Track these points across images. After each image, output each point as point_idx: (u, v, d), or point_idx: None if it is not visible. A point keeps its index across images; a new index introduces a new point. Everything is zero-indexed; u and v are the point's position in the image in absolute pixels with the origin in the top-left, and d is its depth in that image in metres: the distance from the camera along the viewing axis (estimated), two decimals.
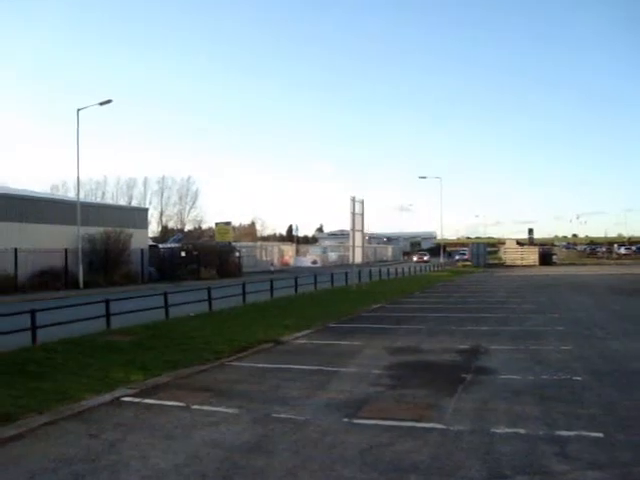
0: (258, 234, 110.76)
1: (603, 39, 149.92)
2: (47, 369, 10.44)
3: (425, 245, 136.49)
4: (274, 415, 7.61)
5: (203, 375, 10.36)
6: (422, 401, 8.29)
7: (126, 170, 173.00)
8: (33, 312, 13.08)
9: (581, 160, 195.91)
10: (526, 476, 5.40)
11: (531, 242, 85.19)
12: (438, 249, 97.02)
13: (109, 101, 36.50)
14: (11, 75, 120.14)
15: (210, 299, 19.90)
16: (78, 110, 36.52)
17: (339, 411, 7.78)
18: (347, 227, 34.81)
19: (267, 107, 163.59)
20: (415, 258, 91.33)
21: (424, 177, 74.10)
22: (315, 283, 30.38)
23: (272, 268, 58.54)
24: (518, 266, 72.55)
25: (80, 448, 6.40)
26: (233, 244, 57.39)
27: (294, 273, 39.93)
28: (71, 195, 67.07)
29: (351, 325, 17.37)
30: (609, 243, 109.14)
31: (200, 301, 19.73)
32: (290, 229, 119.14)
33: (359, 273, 33.31)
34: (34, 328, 12.98)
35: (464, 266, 73.39)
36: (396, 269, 48.45)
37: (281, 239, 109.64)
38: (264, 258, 64.28)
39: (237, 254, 52.52)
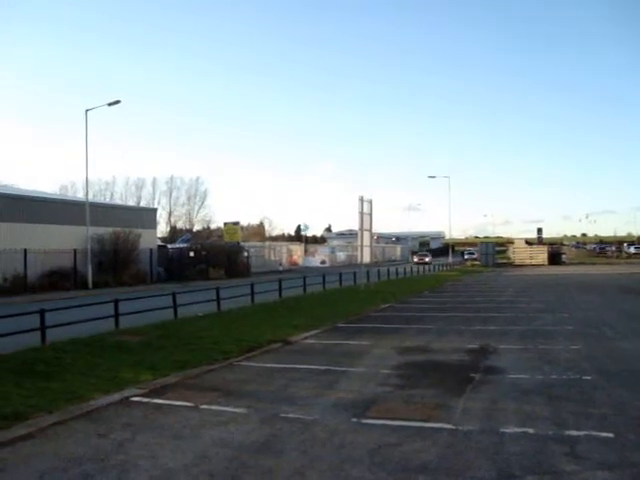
0: (266, 234, 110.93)
1: (607, 38, 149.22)
2: (56, 369, 10.46)
3: (434, 245, 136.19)
4: (282, 415, 7.61)
5: (212, 375, 10.37)
6: (431, 401, 8.27)
7: (135, 170, 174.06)
8: (42, 312, 13.13)
9: (590, 159, 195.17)
10: (536, 476, 5.38)
11: (540, 241, 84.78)
12: (447, 249, 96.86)
13: (117, 102, 36.62)
14: (20, 76, 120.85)
15: (218, 299, 19.91)
16: (86, 111, 36.68)
17: (347, 411, 7.77)
18: (355, 227, 34.79)
19: (275, 107, 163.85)
20: (415, 259, 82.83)
21: (433, 177, 74.18)
22: (324, 283, 30.36)
23: (281, 268, 58.58)
24: (527, 265, 72.45)
25: (89, 448, 6.42)
26: (241, 244, 57.40)
27: (302, 273, 39.93)
28: (80, 196, 67.25)
29: (360, 325, 17.35)
30: (618, 242, 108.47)
31: (208, 301, 19.75)
32: (298, 229, 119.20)
33: (367, 273, 33.28)
34: (43, 328, 13.03)
35: (473, 265, 73.30)
36: (404, 269, 48.39)
37: (289, 239, 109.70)
38: (272, 258, 64.28)
39: (245, 254, 52.55)
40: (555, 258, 76.58)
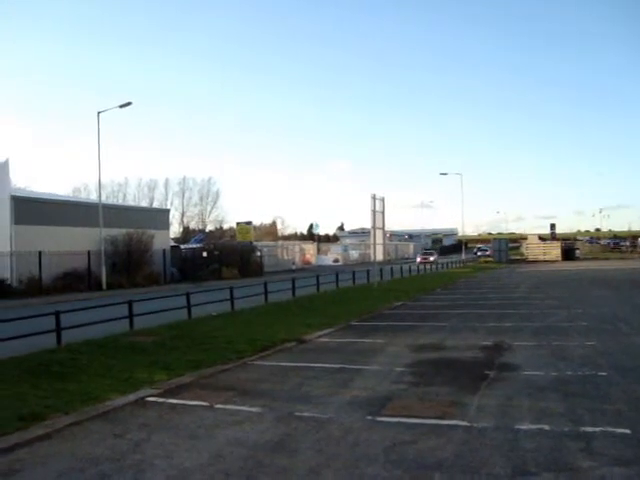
0: (279, 233, 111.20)
1: (609, 38, 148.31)
2: (72, 370, 10.52)
3: (447, 242, 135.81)
4: (297, 414, 7.62)
5: (226, 374, 10.40)
6: (445, 398, 8.26)
7: (147, 172, 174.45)
8: (57, 314, 13.22)
9: (603, 153, 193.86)
10: (552, 473, 5.36)
11: (553, 237, 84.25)
12: (460, 246, 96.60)
13: (129, 103, 36.76)
14: (33, 79, 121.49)
15: (232, 299, 19.94)
16: (98, 113, 36.82)
17: (362, 409, 7.77)
18: (368, 225, 34.81)
19: (287, 107, 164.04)
20: (418, 259, 71.91)
21: (445, 174, 74.18)
22: (337, 281, 30.35)
23: (293, 267, 58.60)
24: (540, 261, 72.13)
25: (106, 448, 6.46)
26: (254, 244, 57.54)
27: (316, 272, 39.94)
28: (93, 197, 67.69)
29: (373, 323, 17.35)
30: (633, 237, 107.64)
31: (222, 301, 19.79)
32: (311, 228, 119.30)
33: (381, 271, 33.25)
34: (59, 329, 13.12)
35: (486, 262, 73.11)
36: (418, 266, 48.28)
37: (302, 238, 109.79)
38: (285, 257, 64.32)
39: (258, 253, 52.68)
40: (569, 254, 76.16)
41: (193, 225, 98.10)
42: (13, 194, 34.45)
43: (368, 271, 34.32)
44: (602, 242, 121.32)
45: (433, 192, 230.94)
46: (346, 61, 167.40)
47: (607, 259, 77.18)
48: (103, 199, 39.31)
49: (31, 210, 34.81)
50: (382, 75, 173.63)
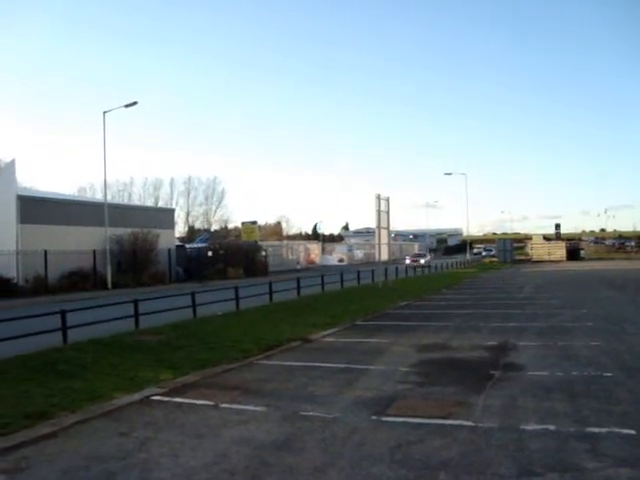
0: (284, 233, 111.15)
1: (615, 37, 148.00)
2: (78, 368, 10.56)
3: (452, 242, 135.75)
4: (302, 413, 7.63)
5: (231, 374, 10.41)
6: (450, 398, 8.25)
7: (152, 171, 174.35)
8: (63, 313, 13.27)
9: (608, 153, 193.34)
10: (557, 473, 5.35)
11: (558, 237, 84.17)
12: (464, 246, 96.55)
13: (135, 103, 36.80)
14: (38, 79, 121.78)
15: (237, 298, 19.97)
16: (104, 112, 36.89)
17: (367, 409, 7.77)
18: (373, 225, 34.74)
19: (292, 106, 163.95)
20: (407, 261, 62.22)
21: (449, 173, 74.09)
22: (342, 281, 30.36)
23: (298, 267, 58.66)
24: (545, 261, 71.99)
25: (111, 446, 6.48)
26: (259, 243, 57.58)
27: (320, 271, 39.94)
28: (98, 197, 67.82)
29: (378, 323, 17.35)
30: (638, 237, 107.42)
31: (227, 300, 19.81)
32: (316, 228, 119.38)
33: (385, 270, 33.24)
34: (65, 328, 13.17)
35: (491, 262, 73.04)
36: (422, 266, 48.26)
37: (307, 238, 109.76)
38: (290, 257, 64.35)
39: (263, 253, 52.71)
40: (573, 254, 76.06)
41: (198, 225, 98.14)
42: (19, 194, 34.56)
43: (373, 271, 34.34)
44: (607, 242, 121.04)
45: (438, 192, 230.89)
46: (350, 60, 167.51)
47: (612, 259, 76.96)
48: (109, 198, 39.35)
49: (37, 209, 34.91)
50: (387, 75, 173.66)
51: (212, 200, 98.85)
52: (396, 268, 39.19)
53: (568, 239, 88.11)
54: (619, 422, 6.83)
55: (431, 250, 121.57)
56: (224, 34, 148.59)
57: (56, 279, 33.47)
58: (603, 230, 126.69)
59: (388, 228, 33.90)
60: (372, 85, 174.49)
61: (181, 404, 8.32)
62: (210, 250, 47.41)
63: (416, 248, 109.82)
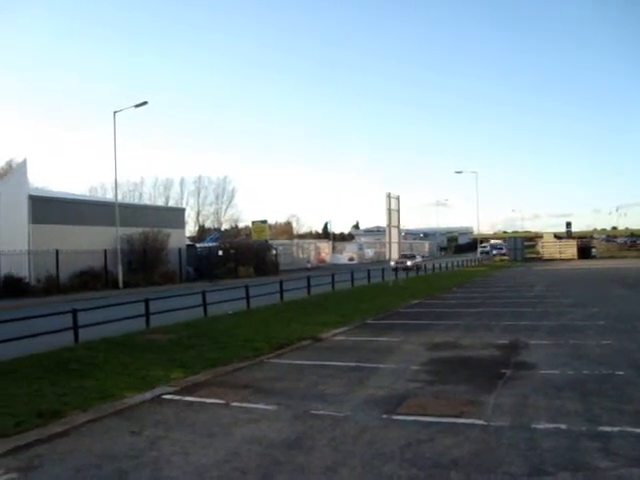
0: (294, 232, 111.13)
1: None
2: (89, 367, 10.61)
3: (462, 240, 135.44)
4: (313, 412, 7.63)
5: (242, 372, 10.43)
6: (461, 397, 8.24)
7: (163, 171, 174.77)
8: (75, 312, 13.33)
9: (619, 151, 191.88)
10: (569, 472, 5.33)
11: (569, 235, 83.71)
12: (475, 244, 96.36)
13: (145, 103, 36.96)
14: (50, 79, 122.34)
15: (248, 297, 20.00)
16: (114, 112, 37.09)
17: (378, 407, 7.77)
18: (383, 223, 34.83)
19: (302, 105, 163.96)
20: (392, 263, 41.11)
21: (460, 172, 74.09)
22: (352, 280, 30.35)
23: (309, 265, 58.70)
24: (556, 260, 71.75)
25: (123, 445, 6.51)
26: (270, 242, 57.66)
27: (331, 270, 39.97)
28: (109, 197, 68.05)
29: (389, 321, 17.34)
30: None
31: (238, 299, 19.85)
32: (326, 226, 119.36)
33: (396, 269, 33.19)
34: (76, 328, 13.23)
35: (501, 261, 72.86)
36: (433, 265, 48.21)
37: (317, 236, 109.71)
38: (300, 256, 64.45)
39: (274, 252, 52.81)
40: (585, 252, 75.78)
41: (209, 224, 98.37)
42: (31, 194, 34.75)
43: (383, 269, 34.33)
44: (619, 240, 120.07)
45: (448, 190, 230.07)
46: (360, 60, 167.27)
47: (624, 257, 76.61)
48: (119, 198, 39.59)
49: (48, 209, 35.15)
50: (396, 74, 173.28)
51: (222, 199, 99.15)
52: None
53: (579, 237, 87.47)
54: (631, 421, 6.79)
55: (441, 249, 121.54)
56: (235, 33, 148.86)
57: (67, 278, 33.67)
58: (615, 228, 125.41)
59: (399, 227, 33.88)
60: (382, 84, 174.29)
61: (192, 403, 8.34)
62: (220, 249, 47.55)
63: (427, 247, 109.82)
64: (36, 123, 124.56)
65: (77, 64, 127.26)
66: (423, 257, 70.02)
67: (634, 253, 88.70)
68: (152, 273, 38.59)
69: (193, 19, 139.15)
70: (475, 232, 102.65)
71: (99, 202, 45.51)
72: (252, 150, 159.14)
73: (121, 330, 14.17)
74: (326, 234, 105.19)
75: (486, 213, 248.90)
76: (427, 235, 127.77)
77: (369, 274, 32.99)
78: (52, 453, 6.33)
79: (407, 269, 45.90)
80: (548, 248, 78.60)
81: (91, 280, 34.52)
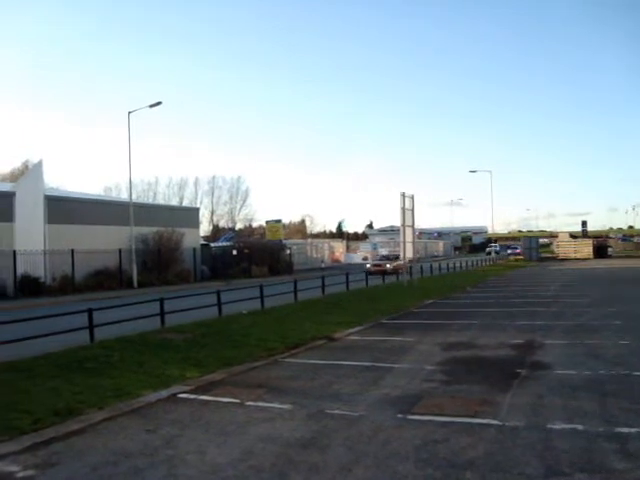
0: (308, 231, 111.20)
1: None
2: (105, 366, 10.67)
3: (476, 240, 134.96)
4: (328, 411, 7.64)
5: (257, 372, 10.46)
6: (477, 397, 8.21)
7: (177, 171, 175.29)
8: (90, 311, 13.40)
9: (635, 149, 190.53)
10: (585, 474, 5.30)
11: (585, 235, 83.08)
12: (489, 243, 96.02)
13: (159, 103, 37.09)
14: (64, 79, 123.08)
15: (262, 297, 20.01)
16: (129, 113, 37.28)
17: (393, 407, 7.76)
18: (397, 223, 34.60)
19: (316, 104, 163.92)
20: (368, 266, 46.27)
21: (474, 171, 73.95)
22: (366, 279, 30.32)
23: (323, 265, 58.72)
24: (572, 259, 71.24)
25: (139, 443, 6.55)
26: (284, 242, 57.73)
27: (345, 270, 39.92)
28: (124, 196, 68.33)
29: (403, 321, 17.32)
30: None
31: (252, 299, 19.86)
32: (340, 226, 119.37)
33: (410, 269, 33.16)
34: (91, 327, 13.29)
35: (516, 260, 72.50)
36: (447, 264, 48.08)
37: (331, 236, 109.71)
38: (314, 255, 64.48)
39: (288, 252, 52.87)
40: (600, 251, 75.21)
41: (223, 223, 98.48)
42: (46, 194, 34.99)
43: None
44: (635, 239, 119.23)
45: (462, 190, 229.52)
46: (373, 59, 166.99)
47: None
48: (134, 198, 39.70)
49: (64, 209, 35.38)
50: (410, 73, 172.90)
51: (236, 199, 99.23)
52: (421, 266, 39.06)
53: (595, 236, 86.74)
54: None
55: (456, 248, 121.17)
56: (249, 32, 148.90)
57: (83, 278, 33.90)
58: (631, 227, 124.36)
59: (413, 226, 33.77)
60: (396, 84, 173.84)
61: (207, 402, 8.37)
62: (235, 249, 47.67)
63: (441, 246, 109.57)
64: (51, 124, 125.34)
65: (92, 64, 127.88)
66: (413, 258, 67.90)
67: None
68: (166, 272, 38.75)
69: (207, 18, 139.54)
70: (489, 231, 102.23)
71: (114, 202, 45.77)
72: (266, 150, 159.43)
73: (136, 329, 14.21)
74: (340, 233, 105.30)
75: (501, 212, 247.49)
76: (441, 234, 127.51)
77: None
78: (69, 450, 6.38)
79: (385, 274, 37.32)
80: (563, 247, 78.06)
81: (106, 279, 34.72)
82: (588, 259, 70.77)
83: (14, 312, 21.26)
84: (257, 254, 47.14)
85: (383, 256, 54.81)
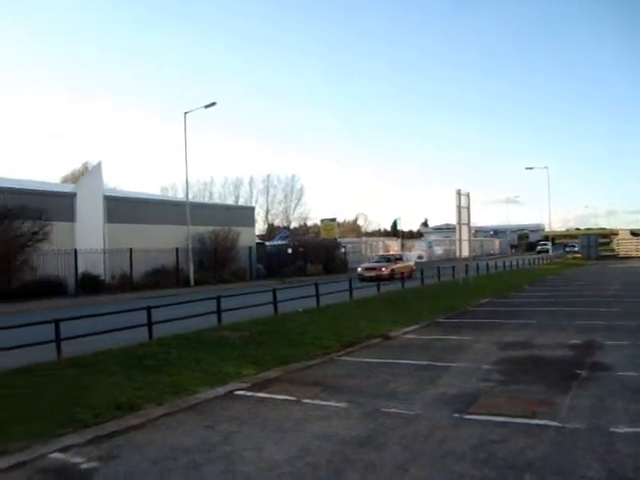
0: (362, 229, 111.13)
1: None
2: (163, 363, 10.86)
3: (533, 237, 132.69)
4: (384, 409, 7.62)
5: (313, 370, 10.51)
6: (535, 397, 8.09)
7: (232, 170, 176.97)
8: (149, 309, 13.66)
9: None
10: None
11: None
12: (540, 242, 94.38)
13: (214, 104, 37.51)
14: (121, 83, 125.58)
15: (317, 295, 20.08)
16: (185, 113, 37.81)
17: (449, 406, 7.71)
18: (452, 221, 34.39)
19: (370, 103, 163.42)
20: (359, 269, 38.94)
21: (531, 168, 72.27)
22: (422, 278, 30.14)
23: None
24: (633, 258, 69.38)
25: (197, 438, 6.65)
26: (338, 240, 57.78)
27: None
28: (180, 196, 69.36)
29: (459, 320, 17.17)
30: None
31: (307, 297, 19.95)
32: (394, 224, 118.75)
33: (466, 267, 32.86)
34: (150, 324, 13.55)
35: (574, 258, 71.07)
36: (504, 262, 47.46)
37: (385, 234, 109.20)
38: (369, 253, 64.33)
39: (342, 250, 52.86)
40: None
41: (278, 222, 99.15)
42: (105, 194, 35.81)
43: (453, 267, 34.01)
44: None
45: (519, 187, 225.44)
46: (426, 59, 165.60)
47: None
48: (190, 198, 40.26)
49: (122, 209, 36.21)
50: (466, 67, 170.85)
51: (291, 198, 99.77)
52: (477, 265, 38.62)
53: None
54: None
55: (512, 246, 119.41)
56: (306, 33, 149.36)
57: (140, 276, 34.61)
58: None
59: (469, 224, 33.44)
60: (449, 80, 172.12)
61: (264, 399, 8.45)
62: (290, 247, 47.94)
63: (497, 244, 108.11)
64: (109, 126, 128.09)
65: (148, 64, 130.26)
66: (417, 259, 64.15)
67: None
68: (223, 271, 39.24)
69: (263, 17, 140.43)
70: (547, 229, 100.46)
71: (170, 201, 46.57)
72: (320, 148, 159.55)
73: (193, 327, 14.43)
74: (395, 232, 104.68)
75: (558, 210, 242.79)
76: (497, 232, 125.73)
77: (439, 272, 32.71)
78: (129, 444, 6.53)
79: (381, 279, 30.66)
80: (624, 245, 76.00)
81: (163, 278, 35.33)
82: None
83: (74, 309, 21.84)
84: (312, 252, 47.29)
85: (381, 257, 43.62)
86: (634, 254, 71.48)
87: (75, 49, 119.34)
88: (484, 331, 14.40)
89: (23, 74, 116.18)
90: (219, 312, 15.81)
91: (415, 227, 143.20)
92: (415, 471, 5.50)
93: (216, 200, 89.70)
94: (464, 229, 32.31)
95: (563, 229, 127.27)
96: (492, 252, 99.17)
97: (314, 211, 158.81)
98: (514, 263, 48.84)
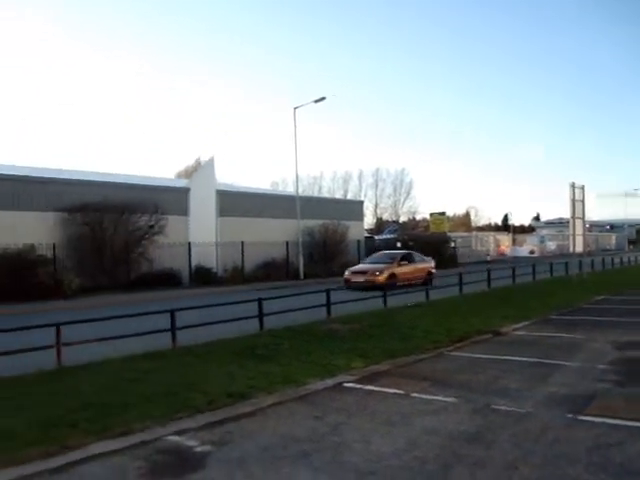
0: (472, 224, 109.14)
1: None
2: (274, 353, 11.11)
3: None
4: (493, 406, 7.51)
5: (422, 364, 10.46)
6: None
7: (341, 164, 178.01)
8: (260, 300, 14.03)
9: None
10: None
11: None
12: None
13: (323, 98, 37.77)
14: (232, 77, 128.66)
15: (427, 289, 19.97)
16: (295, 108, 38.27)
17: (561, 406, 7.49)
18: (566, 215, 33.26)
19: (480, 95, 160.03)
20: (347, 274, 29.72)
21: None
22: (533, 273, 29.38)
23: (488, 258, 57.55)
24: None
25: (306, 428, 6.77)
26: (448, 234, 57.13)
27: (511, 263, 38.89)
28: (290, 190, 70.42)
29: (572, 317, 16.61)
30: None
31: (416, 291, 19.88)
32: (505, 218, 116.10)
33: (580, 263, 31.74)
34: (261, 315, 13.91)
35: None
36: (621, 258, 45.51)
37: (496, 229, 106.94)
38: (479, 248, 63.31)
39: (452, 244, 52.26)
40: None
41: (386, 216, 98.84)
42: (217, 189, 36.89)
43: (566, 263, 32.91)
44: None
45: (638, 180, 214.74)
46: (537, 44, 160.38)
47: None
48: (299, 192, 40.79)
49: (233, 203, 37.21)
50: (577, 55, 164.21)
51: (400, 191, 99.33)
52: (591, 261, 37.23)
53: None
54: None
55: (630, 242, 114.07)
56: (415, 28, 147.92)
57: (251, 269, 35.42)
58: None
59: (583, 218, 32.22)
60: (564, 70, 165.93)
61: (372, 392, 8.49)
62: (399, 241, 47.80)
63: (613, 239, 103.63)
64: (220, 121, 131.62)
65: (259, 60, 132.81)
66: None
67: None
68: (332, 264, 39.52)
69: (373, 12, 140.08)
70: None
71: (280, 195, 47.35)
72: (430, 142, 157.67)
73: (302, 319, 14.67)
74: (505, 226, 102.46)
75: None
76: (614, 227, 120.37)
77: (551, 267, 31.75)
78: (241, 430, 6.73)
79: (374, 287, 23.81)
80: None
81: (273, 271, 35.98)
82: None
83: (188, 299, 22.72)
84: (421, 246, 46.88)
85: (382, 255, 33.23)
86: None
87: (186, 45, 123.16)
88: (599, 329, 13.86)
89: (142, 80, 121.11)
90: (329, 305, 16.01)
91: (527, 221, 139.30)
92: (525, 470, 5.39)
93: (325, 194, 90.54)
94: (578, 223, 31.20)
95: None
96: (608, 247, 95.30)
97: (423, 205, 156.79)
98: (632, 259, 46.71)
